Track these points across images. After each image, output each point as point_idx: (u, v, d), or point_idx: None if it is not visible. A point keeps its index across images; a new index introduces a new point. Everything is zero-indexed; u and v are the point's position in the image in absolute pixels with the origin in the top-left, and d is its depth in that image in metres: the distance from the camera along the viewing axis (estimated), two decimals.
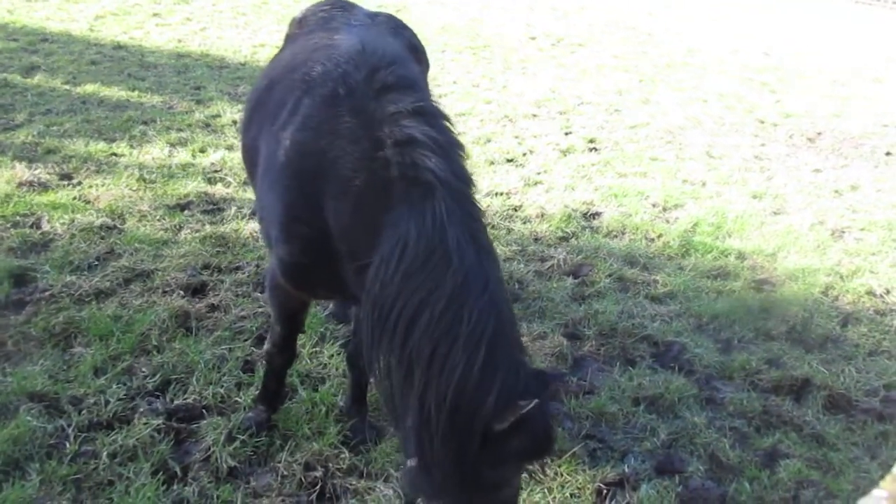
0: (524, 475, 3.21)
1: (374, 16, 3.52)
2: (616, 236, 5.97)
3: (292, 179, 2.63)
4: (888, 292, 5.56)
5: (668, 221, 6.37)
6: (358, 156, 2.43)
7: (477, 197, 2.53)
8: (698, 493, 3.31)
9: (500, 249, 5.35)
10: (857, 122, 10.74)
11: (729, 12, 22.70)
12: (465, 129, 8.13)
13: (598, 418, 3.74)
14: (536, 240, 5.71)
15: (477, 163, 7.09)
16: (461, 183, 2.43)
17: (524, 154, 7.67)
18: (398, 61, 2.68)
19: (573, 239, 5.79)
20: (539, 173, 7.10)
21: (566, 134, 8.56)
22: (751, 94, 11.79)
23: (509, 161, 7.41)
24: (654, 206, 6.65)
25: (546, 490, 3.19)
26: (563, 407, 3.78)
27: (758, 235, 6.28)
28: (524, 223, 5.96)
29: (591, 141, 8.39)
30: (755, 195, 7.23)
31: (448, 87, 9.95)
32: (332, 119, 2.53)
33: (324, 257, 2.61)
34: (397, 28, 3.56)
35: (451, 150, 2.47)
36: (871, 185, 8.01)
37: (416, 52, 3.51)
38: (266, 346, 3.35)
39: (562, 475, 3.29)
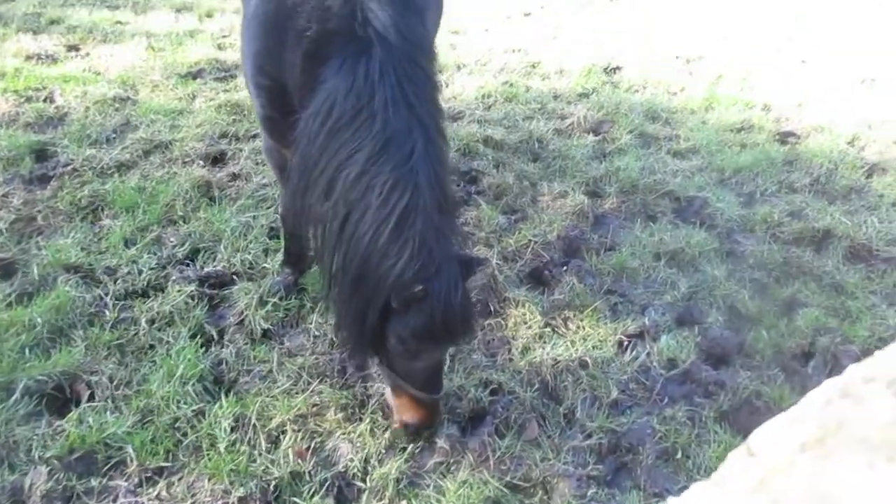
0: (545, 328, 3.34)
1: None
2: (637, 91, 5.82)
3: (258, 28, 2.61)
4: None
5: (691, 74, 6.18)
6: (313, 4, 2.37)
7: (428, 59, 2.46)
8: (716, 342, 3.41)
9: (519, 108, 5.26)
10: None
11: None
12: None
13: (620, 273, 3.80)
14: (556, 97, 5.59)
15: (493, 16, 6.82)
16: (406, 43, 2.34)
17: (542, 7, 7.35)
18: None
19: (594, 95, 5.66)
20: (556, 27, 6.83)
21: None
22: None
23: (526, 15, 7.12)
24: (676, 58, 6.43)
25: (569, 343, 3.29)
26: (585, 263, 3.83)
27: (785, 85, 6.09)
28: (543, 80, 5.81)
29: None
30: (779, 48, 6.94)
31: None
32: None
33: (290, 112, 2.56)
34: None
35: (404, 8, 2.38)
36: None
37: None
38: (280, 210, 3.39)
39: (584, 328, 3.39)
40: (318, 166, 2.31)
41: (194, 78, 5.33)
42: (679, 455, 2.83)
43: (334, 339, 3.07)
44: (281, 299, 3.36)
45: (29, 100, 4.80)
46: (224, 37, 5.99)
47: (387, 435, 2.76)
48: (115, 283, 3.36)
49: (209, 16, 6.32)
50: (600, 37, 6.66)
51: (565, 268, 3.81)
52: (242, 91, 5.16)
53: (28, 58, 5.25)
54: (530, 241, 3.91)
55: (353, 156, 2.25)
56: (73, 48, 5.55)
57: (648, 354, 3.27)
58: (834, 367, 3.36)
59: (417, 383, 2.53)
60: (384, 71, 2.26)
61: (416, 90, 2.36)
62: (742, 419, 3.03)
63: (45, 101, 4.80)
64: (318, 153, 2.30)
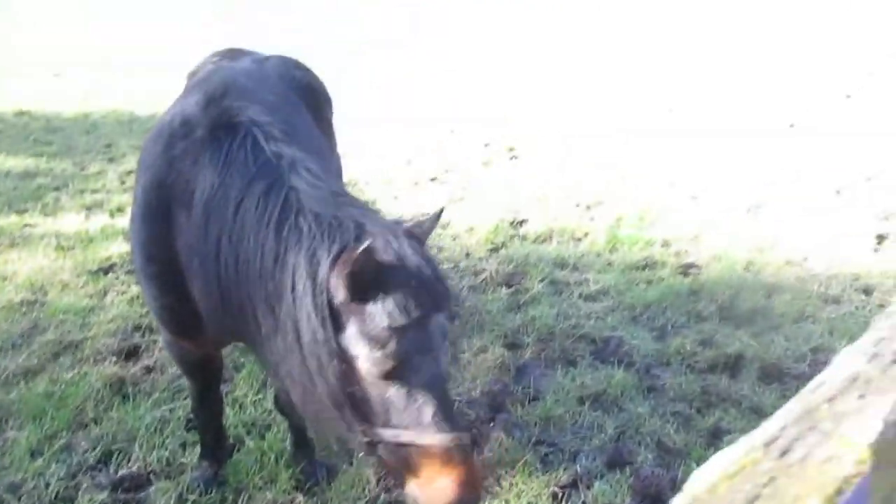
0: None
1: (261, 60, 3.52)
2: (544, 241, 6.10)
3: (142, 222, 2.62)
4: (806, 259, 5.82)
5: (592, 219, 6.54)
6: (191, 158, 2.42)
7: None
8: (650, 481, 3.40)
9: None
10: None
11: None
12: (387, 150, 8.19)
13: (546, 423, 3.81)
14: (468, 254, 5.79)
15: (401, 185, 7.15)
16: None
17: (446, 171, 7.76)
18: (240, 89, 2.67)
19: (503, 249, 5.89)
20: (463, 188, 7.20)
21: (486, 145, 8.70)
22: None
23: (433, 180, 7.49)
24: (577, 205, 6.82)
25: (504, 502, 3.23)
26: (511, 416, 3.83)
27: (680, 220, 6.50)
28: (454, 239, 6.04)
29: (511, 149, 8.55)
30: (672, 183, 7.48)
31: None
32: (168, 149, 2.53)
33: (186, 298, 2.53)
34: (286, 68, 3.57)
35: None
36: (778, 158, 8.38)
37: (310, 91, 3.54)
38: (192, 402, 3.32)
39: (517, 485, 3.34)
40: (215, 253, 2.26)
41: (105, 273, 5.31)
42: None
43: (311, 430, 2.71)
44: (202, 495, 3.21)
45: None
46: None
47: None
48: (18, 500, 3.15)
49: (120, 210, 6.41)
50: (504, 193, 7.04)
51: (492, 423, 3.79)
52: None
53: None
54: (455, 400, 3.90)
55: (227, 218, 2.22)
56: None
57: (584, 503, 3.23)
58: None
59: (424, 417, 1.98)
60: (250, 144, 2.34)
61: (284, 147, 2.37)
62: None
63: None
64: (204, 239, 2.27)
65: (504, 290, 5.17)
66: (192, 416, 3.63)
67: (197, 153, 2.41)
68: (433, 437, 1.97)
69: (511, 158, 8.24)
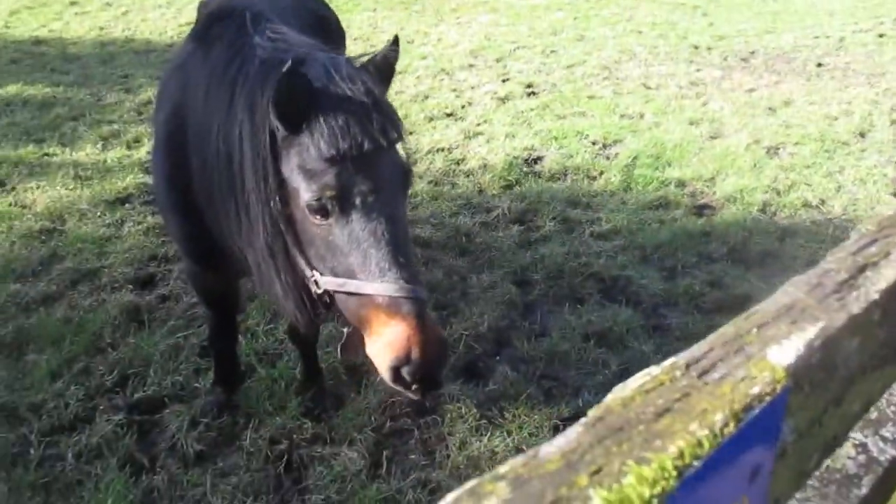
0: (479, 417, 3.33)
1: None
2: (558, 179, 6.06)
3: (164, 151, 2.63)
4: (823, 203, 5.75)
5: (608, 158, 6.48)
6: (205, 73, 2.28)
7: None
8: None
9: (445, 205, 5.42)
10: (788, 36, 10.90)
11: None
12: (402, 88, 8.10)
13: (552, 358, 3.87)
14: (480, 191, 5.78)
15: (416, 120, 7.09)
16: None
17: (463, 106, 7.68)
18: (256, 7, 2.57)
19: (517, 186, 5.87)
20: (479, 124, 7.13)
21: (503, 81, 8.57)
22: (683, 20, 11.87)
23: (448, 115, 7.42)
24: (593, 144, 6.75)
25: (505, 433, 3.32)
26: (517, 351, 3.90)
27: (696, 161, 6.42)
28: (467, 176, 6.01)
29: (529, 85, 8.42)
30: (692, 121, 7.36)
31: (382, 45, 9.85)
32: (181, 77, 2.51)
33: (202, 217, 2.52)
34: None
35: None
36: (803, 99, 8.18)
37: (324, 21, 3.50)
38: (208, 330, 3.40)
39: (519, 416, 3.43)
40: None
41: (122, 204, 5.37)
42: None
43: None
44: (214, 419, 3.33)
45: None
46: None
47: None
48: (39, 419, 3.29)
49: (137, 142, 6.43)
50: (520, 129, 6.97)
51: (498, 358, 3.87)
52: None
53: None
54: (462, 334, 3.97)
55: (202, 108, 2.20)
56: None
57: None
58: None
59: (369, 262, 1.84)
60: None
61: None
62: None
63: None
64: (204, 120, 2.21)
65: (516, 228, 5.18)
66: (206, 343, 3.74)
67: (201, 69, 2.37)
68: (378, 286, 1.83)
69: (528, 95, 8.11)
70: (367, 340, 1.92)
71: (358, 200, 1.85)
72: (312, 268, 1.99)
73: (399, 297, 1.82)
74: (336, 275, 1.92)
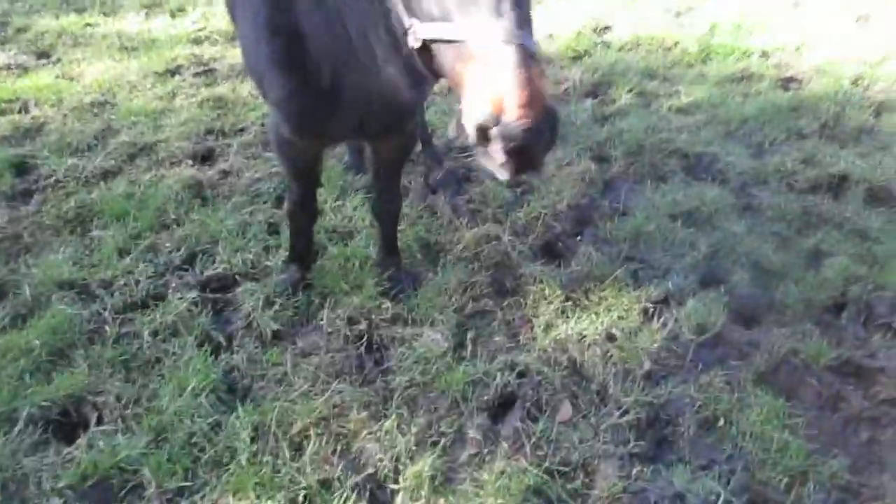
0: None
1: None
2: (631, 49, 5.64)
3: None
4: None
5: (682, 27, 6.00)
6: None
7: None
8: (745, 302, 3.27)
9: None
10: None
11: None
12: None
13: (636, 239, 3.65)
14: (548, 62, 5.39)
15: None
16: None
17: None
18: None
19: (586, 57, 5.47)
20: None
21: None
22: None
23: None
24: (666, 11, 6.24)
25: (593, 315, 3.14)
26: (599, 231, 3.68)
27: (779, 31, 5.91)
28: None
29: None
30: None
31: None
32: None
33: (313, 76, 2.33)
34: None
35: None
36: None
37: None
38: (286, 205, 3.20)
39: (606, 299, 3.24)
40: None
41: (172, 75, 5.13)
42: (721, 423, 2.70)
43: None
44: (288, 298, 3.20)
45: (3, 112, 4.60)
46: (199, 30, 5.77)
47: (414, 430, 2.61)
48: (112, 296, 3.19)
49: (181, 10, 6.10)
50: None
51: (579, 238, 3.66)
52: (224, 84, 4.97)
53: None
54: (540, 213, 3.75)
55: None
56: (43, 55, 5.35)
57: (676, 320, 3.12)
58: (868, 316, 3.24)
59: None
60: None
61: None
62: (782, 379, 2.91)
63: (19, 112, 4.60)
64: None
65: (589, 101, 4.84)
66: (275, 219, 3.58)
67: None
68: (474, 30, 1.56)
69: None
70: (463, 97, 1.62)
71: None
72: (412, 14, 1.73)
73: (500, 44, 1.53)
74: (433, 19, 1.66)
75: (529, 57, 1.54)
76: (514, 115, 1.49)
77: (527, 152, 1.54)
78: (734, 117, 4.67)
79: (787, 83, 5.19)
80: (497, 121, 1.51)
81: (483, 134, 1.55)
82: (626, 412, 2.71)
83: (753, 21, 6.01)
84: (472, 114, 1.56)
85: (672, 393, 2.80)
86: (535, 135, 1.52)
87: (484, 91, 1.54)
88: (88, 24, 5.85)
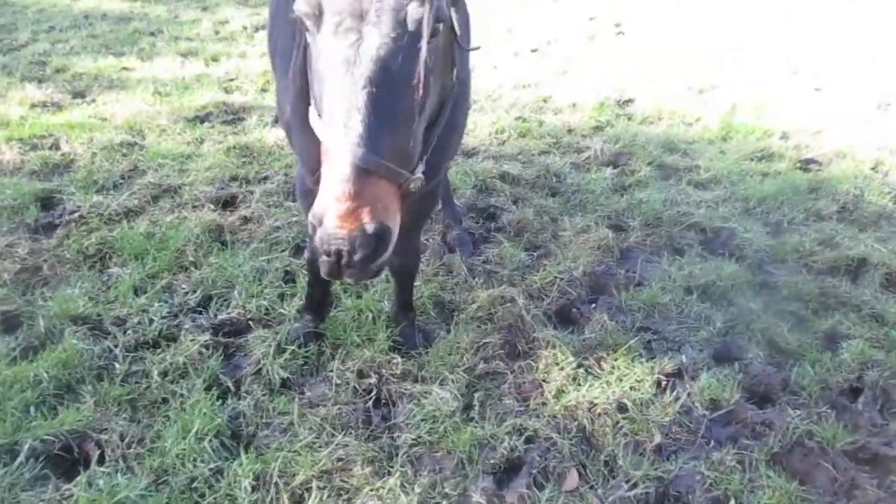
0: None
1: None
2: (652, 122, 5.72)
3: (287, 54, 2.39)
4: None
5: (705, 104, 6.09)
6: None
7: None
8: (759, 379, 3.22)
9: (534, 143, 5.16)
10: None
11: None
12: (486, 18, 7.74)
13: (651, 310, 3.63)
14: (570, 131, 5.48)
15: (501, 55, 6.77)
16: None
17: (548, 42, 7.30)
18: None
19: (608, 128, 5.55)
20: (566, 62, 6.77)
21: (590, 19, 8.14)
22: None
23: (533, 51, 7.07)
24: (689, 88, 6.35)
25: (605, 384, 3.11)
26: (614, 300, 3.67)
27: (800, 113, 5.99)
28: (555, 114, 5.71)
29: (617, 25, 7.98)
30: (794, 71, 6.87)
31: None
32: None
33: None
34: None
35: None
36: None
37: None
38: (306, 254, 3.22)
39: (619, 368, 3.21)
40: None
41: (202, 122, 5.24)
42: (732, 503, 2.63)
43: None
44: (300, 346, 3.19)
45: (34, 147, 4.70)
46: (231, 80, 5.92)
47: (418, 490, 2.56)
48: (124, 333, 3.20)
49: (215, 60, 6.27)
50: (610, 70, 6.59)
51: (594, 305, 3.64)
52: (252, 133, 5.07)
53: (33, 106, 5.18)
54: (555, 277, 3.75)
55: None
56: (78, 95, 5.49)
57: (689, 394, 3.08)
58: (885, 402, 3.17)
59: (328, 97, 1.66)
60: None
61: None
62: (795, 462, 2.84)
63: (50, 148, 4.71)
64: None
65: (609, 171, 4.89)
66: (292, 267, 3.60)
67: None
68: (329, 139, 1.64)
69: (617, 34, 7.69)
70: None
71: (334, 21, 1.64)
72: (317, 108, 1.80)
73: (340, 155, 1.60)
74: (318, 112, 1.75)
75: (363, 173, 1.60)
76: (331, 223, 1.61)
77: (339, 258, 1.65)
78: (753, 195, 4.70)
79: (806, 164, 5.22)
80: (320, 222, 1.63)
81: (314, 229, 1.68)
82: (634, 485, 2.65)
83: (774, 103, 6.09)
84: (312, 207, 1.68)
85: (682, 469, 2.74)
86: (349, 245, 1.62)
87: (324, 191, 1.65)
88: (125, 68, 6.02)
